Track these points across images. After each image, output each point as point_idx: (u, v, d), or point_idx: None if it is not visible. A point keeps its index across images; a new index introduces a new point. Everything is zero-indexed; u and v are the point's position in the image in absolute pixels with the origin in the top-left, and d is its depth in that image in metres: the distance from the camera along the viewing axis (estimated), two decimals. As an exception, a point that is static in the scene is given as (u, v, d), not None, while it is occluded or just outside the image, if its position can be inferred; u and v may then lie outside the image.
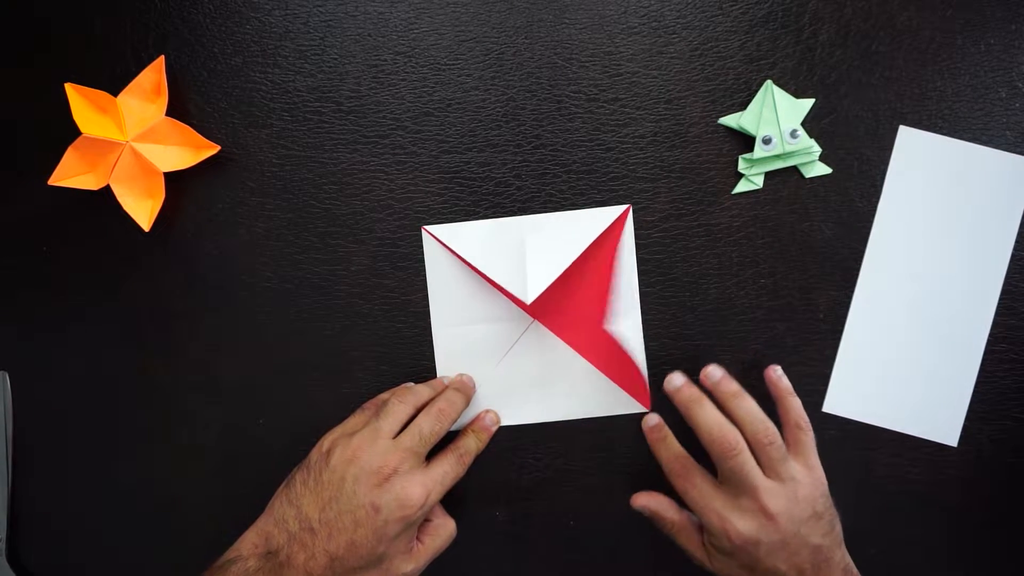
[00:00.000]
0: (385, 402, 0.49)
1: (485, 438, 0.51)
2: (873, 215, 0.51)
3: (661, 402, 0.52)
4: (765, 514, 0.44)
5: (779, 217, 0.51)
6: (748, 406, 0.47)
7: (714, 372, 0.48)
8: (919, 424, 0.52)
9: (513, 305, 0.52)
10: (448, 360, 0.53)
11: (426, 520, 0.48)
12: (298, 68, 0.52)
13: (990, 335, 0.51)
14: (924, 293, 0.51)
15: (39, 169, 0.50)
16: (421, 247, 0.52)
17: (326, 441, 0.47)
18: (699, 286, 0.52)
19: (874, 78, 0.51)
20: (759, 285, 0.52)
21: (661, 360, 0.52)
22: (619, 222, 0.52)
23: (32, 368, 0.54)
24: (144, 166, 0.50)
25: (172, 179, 0.51)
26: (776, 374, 0.50)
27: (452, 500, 0.53)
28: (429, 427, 0.47)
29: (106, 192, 0.50)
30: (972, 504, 0.52)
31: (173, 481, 0.54)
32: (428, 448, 0.47)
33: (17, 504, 0.54)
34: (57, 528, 0.54)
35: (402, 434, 0.47)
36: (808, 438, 0.48)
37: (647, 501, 0.50)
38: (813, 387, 0.52)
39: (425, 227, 0.52)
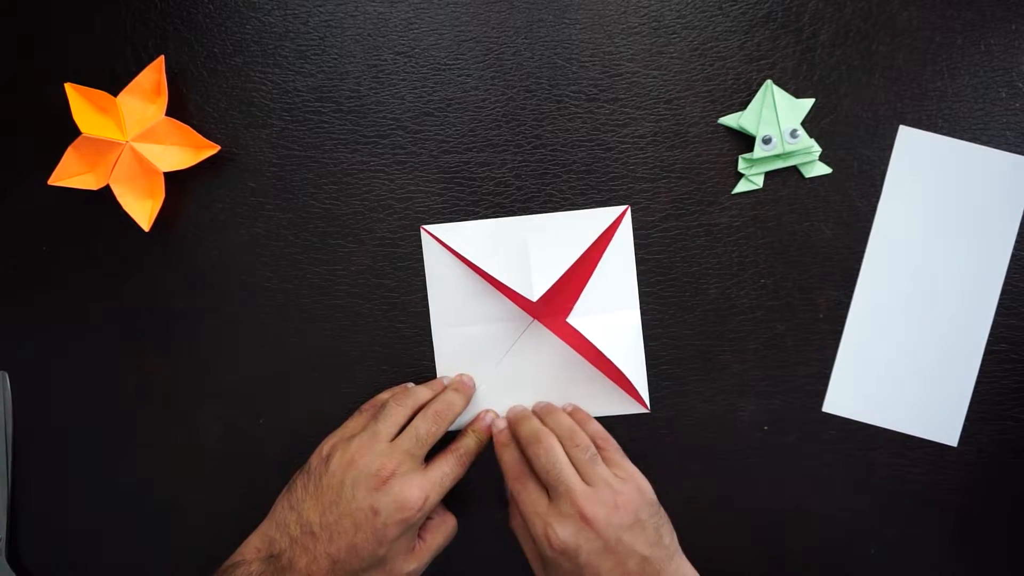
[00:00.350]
0: (384, 404, 0.49)
1: (485, 438, 0.51)
2: (873, 215, 0.51)
3: (658, 401, 0.52)
4: (583, 518, 0.44)
5: (779, 217, 0.51)
6: (558, 417, 0.49)
7: (537, 402, 0.52)
8: (919, 424, 0.52)
9: (513, 305, 0.52)
10: (448, 360, 0.53)
11: (427, 518, 0.48)
12: (298, 68, 0.52)
13: (990, 335, 0.51)
14: (924, 293, 0.51)
15: (39, 169, 0.50)
16: (421, 247, 0.52)
17: (326, 446, 0.48)
18: (699, 286, 0.52)
19: (874, 78, 0.51)
20: (759, 285, 0.52)
21: (661, 360, 0.52)
22: (618, 222, 0.52)
23: (32, 368, 0.54)
24: (144, 166, 0.50)
25: (172, 179, 0.51)
26: (564, 410, 0.51)
27: (453, 500, 0.53)
28: (425, 429, 0.47)
29: (106, 192, 0.50)
30: (972, 504, 0.52)
31: (173, 481, 0.54)
32: (425, 450, 0.47)
33: (17, 504, 0.54)
34: (57, 528, 0.54)
35: (399, 437, 0.47)
36: (612, 448, 0.49)
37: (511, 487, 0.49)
38: (813, 387, 0.52)
39: (424, 227, 0.52)
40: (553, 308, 0.52)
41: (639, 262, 0.52)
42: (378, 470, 0.45)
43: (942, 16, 0.50)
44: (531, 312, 0.52)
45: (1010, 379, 0.51)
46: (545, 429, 0.48)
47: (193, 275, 0.53)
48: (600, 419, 0.52)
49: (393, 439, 0.47)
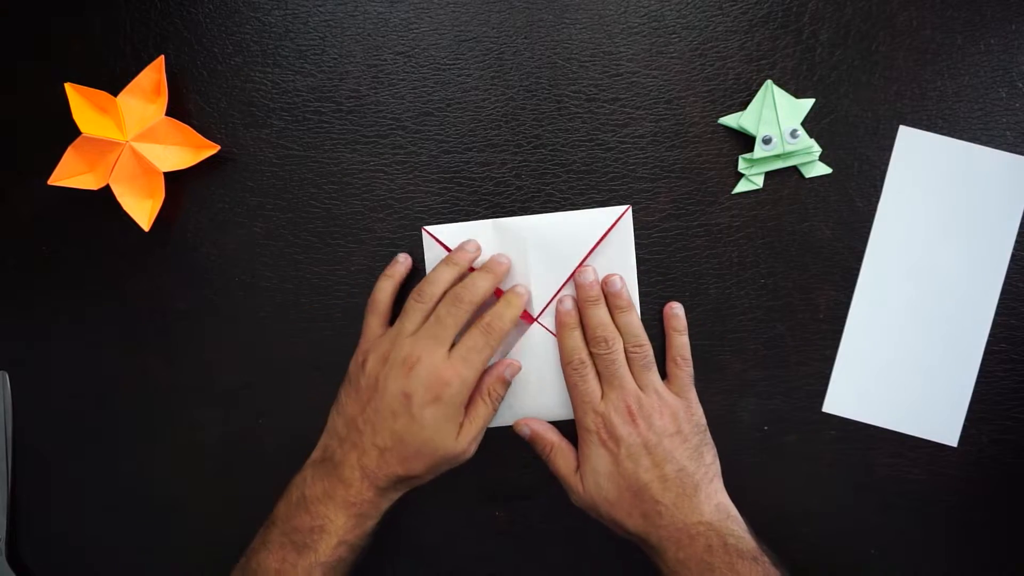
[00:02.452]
0: (405, 305, 0.49)
1: (519, 304, 0.49)
2: (873, 215, 0.51)
3: (661, 402, 0.52)
4: (629, 412, 0.48)
5: (779, 217, 0.51)
6: (629, 319, 0.50)
7: (615, 282, 0.51)
8: (919, 424, 0.52)
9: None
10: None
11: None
12: (298, 68, 0.52)
13: (990, 335, 0.51)
14: (924, 293, 0.51)
15: (39, 169, 0.50)
16: (421, 247, 0.52)
17: (359, 355, 0.49)
18: (699, 286, 0.52)
19: (874, 78, 0.51)
20: (759, 285, 0.52)
21: (661, 360, 0.52)
22: (618, 223, 0.52)
23: (32, 368, 0.54)
24: (144, 166, 0.50)
25: (172, 179, 0.51)
26: (672, 311, 0.52)
27: (453, 500, 0.53)
28: (446, 312, 0.47)
29: (106, 192, 0.50)
30: (972, 504, 0.52)
31: (173, 481, 0.54)
32: (450, 333, 0.47)
33: (17, 504, 0.54)
34: (57, 528, 0.54)
35: (422, 327, 0.48)
36: (684, 373, 0.51)
37: (529, 422, 0.52)
38: (813, 387, 0.52)
39: (425, 228, 0.52)
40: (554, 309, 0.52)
41: (639, 262, 0.52)
42: (404, 359, 0.46)
43: (942, 16, 0.50)
44: (531, 317, 0.52)
45: (1010, 379, 0.51)
46: (613, 327, 0.50)
47: (193, 275, 0.53)
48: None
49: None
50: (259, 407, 0.54)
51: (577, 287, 0.51)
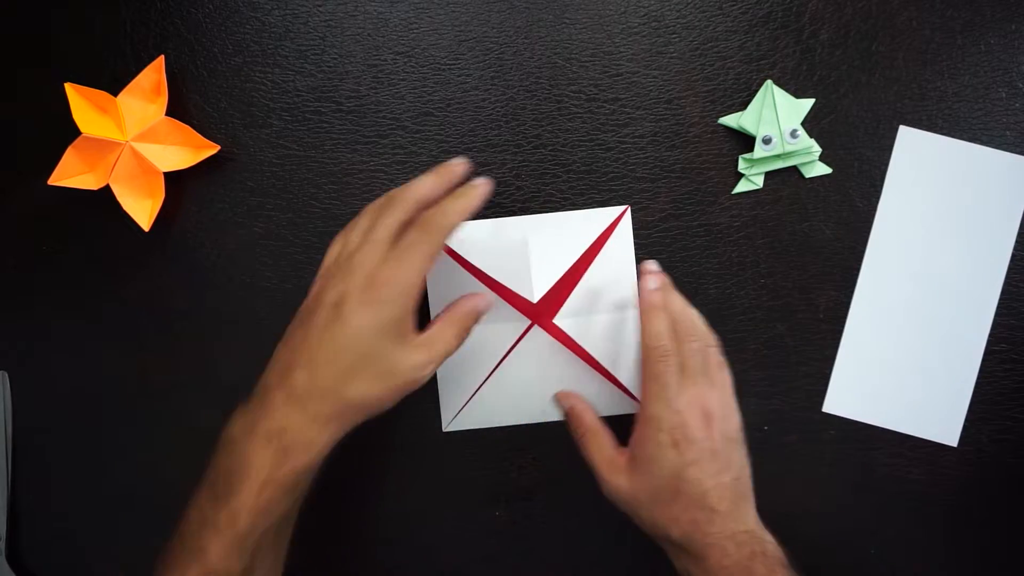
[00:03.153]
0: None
1: (472, 197, 0.44)
2: (873, 215, 0.51)
3: (661, 402, 0.52)
4: (705, 415, 0.44)
5: (779, 217, 0.51)
6: (697, 318, 0.48)
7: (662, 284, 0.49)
8: (919, 424, 0.52)
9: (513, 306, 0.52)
10: (448, 360, 0.52)
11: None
12: (298, 68, 0.52)
13: (990, 335, 0.51)
14: (924, 293, 0.51)
15: (39, 169, 0.50)
16: (421, 247, 0.52)
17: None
18: (699, 286, 0.52)
19: (874, 78, 0.51)
20: (759, 285, 0.52)
21: (661, 360, 0.52)
22: (618, 222, 0.52)
23: (32, 368, 0.54)
24: (144, 166, 0.50)
25: (172, 179, 0.51)
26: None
27: (453, 500, 0.53)
28: (378, 213, 0.44)
29: (106, 192, 0.50)
30: (972, 504, 0.52)
31: (173, 482, 0.54)
32: (383, 232, 0.42)
33: (17, 504, 0.54)
34: (57, 528, 0.54)
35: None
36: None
37: (570, 396, 0.50)
38: (813, 387, 0.52)
39: (425, 227, 0.52)
40: (553, 308, 0.52)
41: (639, 262, 0.52)
42: (341, 267, 0.42)
43: (942, 16, 0.50)
44: (531, 314, 0.52)
45: (1010, 379, 0.51)
46: (702, 325, 0.47)
47: (193, 275, 0.53)
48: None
49: None
50: (259, 407, 0.53)
51: (646, 277, 0.48)
